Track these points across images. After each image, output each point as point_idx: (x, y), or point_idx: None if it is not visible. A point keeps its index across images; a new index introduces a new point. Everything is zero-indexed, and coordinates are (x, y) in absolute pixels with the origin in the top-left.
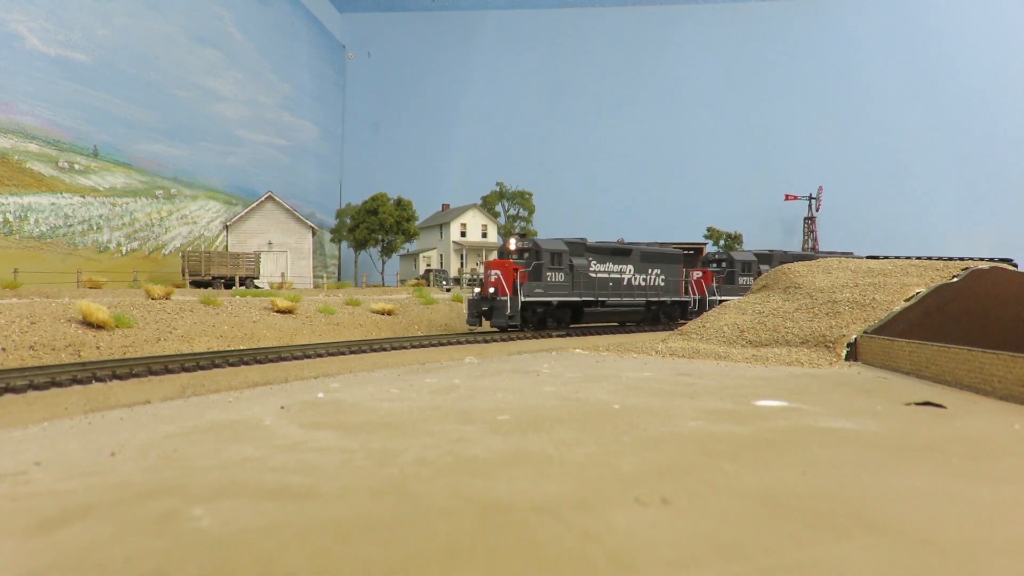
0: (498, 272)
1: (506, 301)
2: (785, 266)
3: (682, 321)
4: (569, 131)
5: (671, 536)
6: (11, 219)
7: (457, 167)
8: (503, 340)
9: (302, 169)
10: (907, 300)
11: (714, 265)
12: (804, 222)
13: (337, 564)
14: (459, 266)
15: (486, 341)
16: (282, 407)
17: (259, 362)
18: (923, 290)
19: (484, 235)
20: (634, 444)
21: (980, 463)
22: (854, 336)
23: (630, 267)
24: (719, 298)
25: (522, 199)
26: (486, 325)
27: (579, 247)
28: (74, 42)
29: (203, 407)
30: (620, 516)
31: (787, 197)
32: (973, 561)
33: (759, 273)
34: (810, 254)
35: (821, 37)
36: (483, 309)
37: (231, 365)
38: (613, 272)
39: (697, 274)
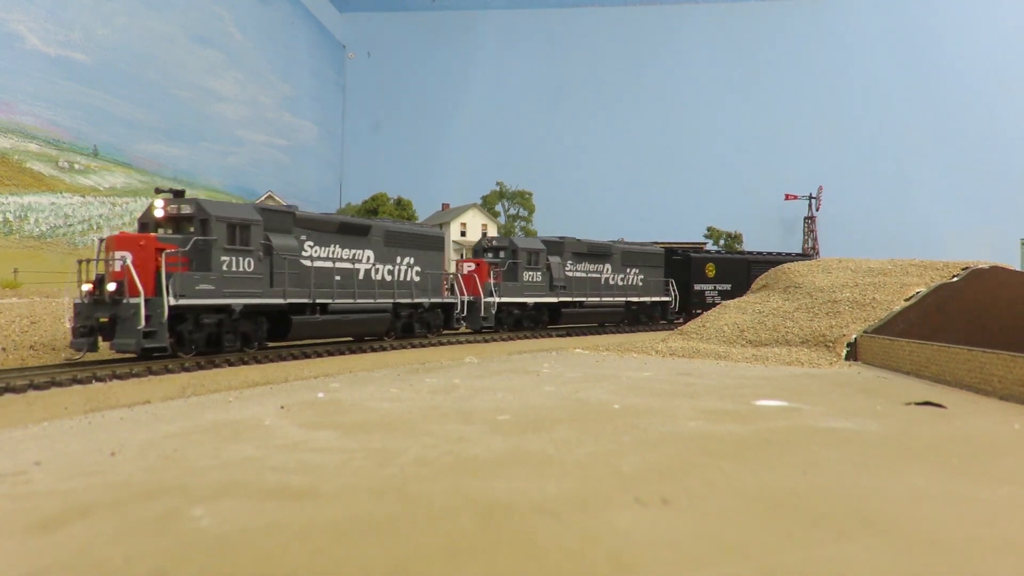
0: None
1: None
2: (785, 266)
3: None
4: (569, 131)
5: (671, 536)
6: (11, 219)
7: (457, 167)
8: (503, 340)
9: (302, 169)
10: (907, 300)
11: (490, 255)
12: (804, 222)
13: (337, 564)
14: None
15: (486, 341)
16: (282, 407)
17: (259, 362)
18: (923, 290)
19: (484, 235)
20: (634, 444)
21: (980, 463)
22: (854, 336)
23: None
24: (497, 299)
25: (522, 199)
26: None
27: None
28: (74, 42)
29: (203, 407)
30: (620, 516)
31: (787, 197)
32: (973, 561)
33: (548, 267)
34: (651, 250)
35: (821, 37)
36: (101, 321)
37: (231, 365)
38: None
39: (469, 267)
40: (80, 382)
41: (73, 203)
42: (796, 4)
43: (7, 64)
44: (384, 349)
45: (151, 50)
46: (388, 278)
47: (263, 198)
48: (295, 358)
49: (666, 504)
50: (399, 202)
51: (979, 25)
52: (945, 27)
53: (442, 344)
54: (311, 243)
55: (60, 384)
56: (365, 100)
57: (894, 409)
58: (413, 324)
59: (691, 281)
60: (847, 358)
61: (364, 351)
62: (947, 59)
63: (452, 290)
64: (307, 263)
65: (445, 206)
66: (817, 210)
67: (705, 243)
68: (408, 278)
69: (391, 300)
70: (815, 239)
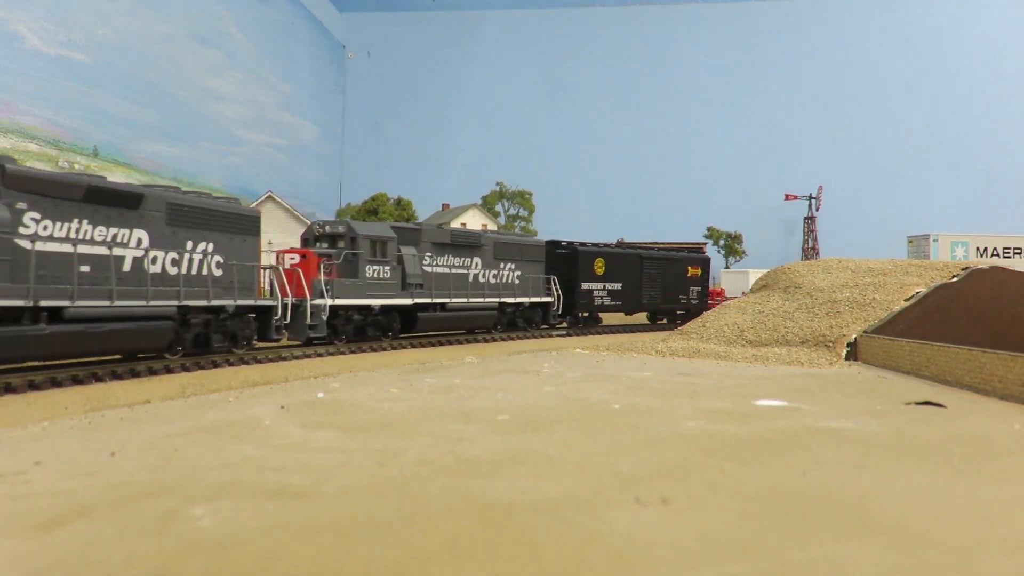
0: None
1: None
2: (785, 266)
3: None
4: (569, 131)
5: (671, 536)
6: None
7: (457, 167)
8: (503, 340)
9: (302, 169)
10: (907, 300)
11: (322, 244)
12: (804, 222)
13: (337, 564)
14: None
15: (486, 341)
16: (282, 407)
17: (259, 362)
18: (923, 290)
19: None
20: (634, 444)
21: (980, 463)
22: (854, 336)
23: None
24: (329, 302)
25: (522, 199)
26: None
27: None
28: (74, 42)
29: (203, 407)
30: (620, 516)
31: (787, 197)
32: (973, 561)
33: (400, 260)
34: (530, 241)
35: (821, 37)
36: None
37: (231, 365)
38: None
39: (292, 259)
40: (80, 382)
41: None
42: (796, 4)
43: (7, 64)
44: (384, 349)
45: (151, 50)
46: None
47: (263, 198)
48: (295, 358)
49: (666, 504)
50: (399, 202)
51: (979, 25)
52: (945, 27)
53: (442, 344)
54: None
55: (60, 384)
56: (365, 100)
57: (894, 409)
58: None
59: (577, 279)
60: (847, 358)
61: (364, 351)
62: (947, 59)
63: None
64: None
65: (445, 206)
66: (817, 210)
67: (705, 243)
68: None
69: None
70: (815, 239)
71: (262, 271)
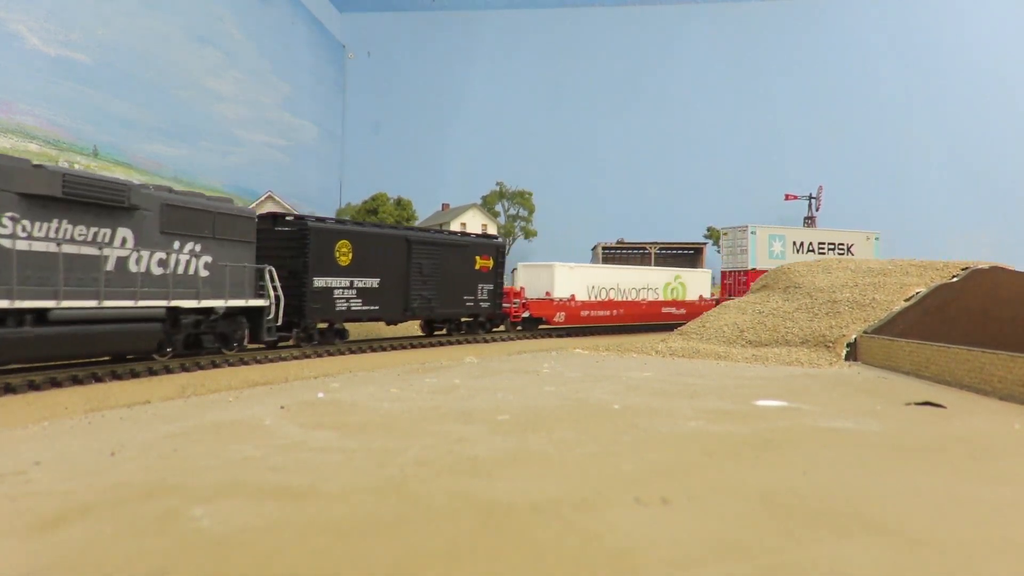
0: None
1: None
2: (785, 266)
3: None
4: (569, 131)
5: (671, 536)
6: None
7: (457, 167)
8: (503, 340)
9: (302, 169)
10: (907, 300)
11: None
12: (804, 222)
13: (337, 564)
14: None
15: (486, 341)
16: (282, 407)
17: (259, 362)
18: (923, 290)
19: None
20: (634, 444)
21: (980, 463)
22: (854, 336)
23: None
24: None
25: (522, 199)
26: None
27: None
28: (74, 42)
29: (203, 407)
30: (620, 516)
31: (787, 197)
32: (973, 561)
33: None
34: (226, 208)
35: (821, 37)
36: None
37: (231, 365)
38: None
39: None
40: (80, 382)
41: None
42: (796, 4)
43: (7, 64)
44: (384, 349)
45: (151, 50)
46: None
47: (263, 198)
48: (295, 358)
49: (666, 504)
50: (399, 202)
51: (979, 25)
52: (945, 27)
53: (442, 344)
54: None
55: (60, 384)
56: (365, 100)
57: (894, 409)
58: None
59: (308, 272)
60: (847, 358)
61: (364, 351)
62: (947, 59)
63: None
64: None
65: (445, 206)
66: (817, 210)
67: (705, 243)
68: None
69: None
70: None
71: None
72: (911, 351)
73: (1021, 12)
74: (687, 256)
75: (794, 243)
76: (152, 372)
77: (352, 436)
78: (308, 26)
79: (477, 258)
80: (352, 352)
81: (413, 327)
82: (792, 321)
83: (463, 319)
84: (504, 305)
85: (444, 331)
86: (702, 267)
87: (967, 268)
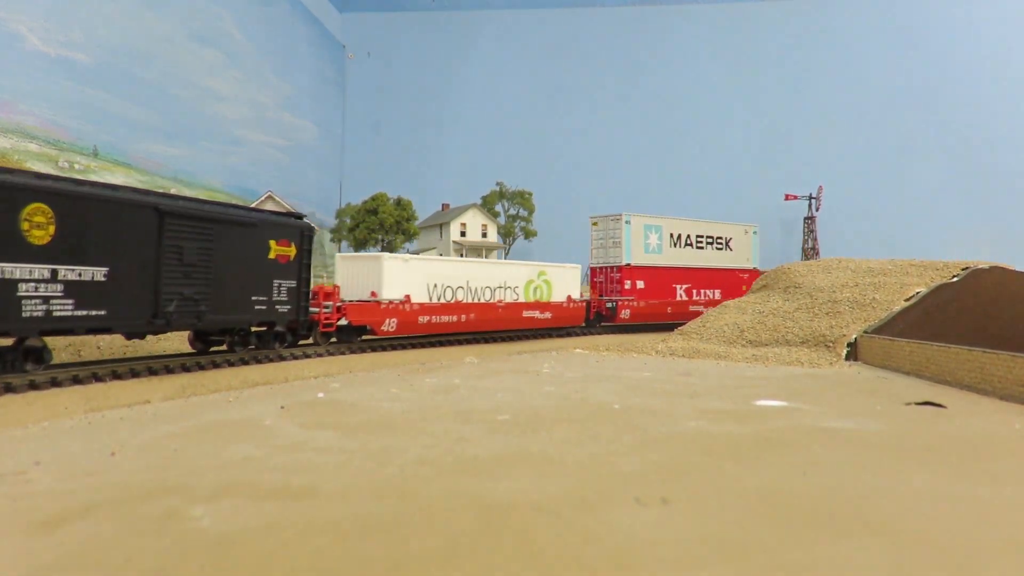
0: None
1: None
2: (785, 266)
3: None
4: (569, 131)
5: (671, 536)
6: None
7: (457, 167)
8: (503, 340)
9: (302, 169)
10: (907, 300)
11: None
12: (804, 222)
13: (337, 564)
14: None
15: (486, 341)
16: (282, 407)
17: (259, 362)
18: (923, 290)
19: (484, 235)
20: (634, 444)
21: (980, 463)
22: (854, 336)
23: None
24: None
25: (522, 199)
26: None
27: None
28: (74, 42)
29: (203, 407)
30: (620, 516)
31: (787, 197)
32: (973, 561)
33: None
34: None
35: (821, 37)
36: None
37: (231, 365)
38: None
39: None
40: (80, 382)
41: None
42: (796, 4)
43: (7, 64)
44: (384, 349)
45: (151, 50)
46: None
47: (263, 198)
48: (295, 358)
49: (666, 504)
50: (399, 202)
51: (979, 25)
52: (945, 27)
53: (442, 344)
54: None
55: (60, 384)
56: (365, 100)
57: (894, 409)
58: None
59: None
60: (847, 358)
61: (364, 351)
62: (947, 59)
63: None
64: None
65: (445, 206)
66: (817, 210)
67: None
68: None
69: None
70: (815, 239)
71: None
72: (911, 351)
73: (1021, 12)
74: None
75: (671, 235)
76: (152, 372)
77: (352, 436)
78: (308, 26)
79: (272, 243)
80: (352, 352)
81: (174, 341)
82: (792, 321)
83: (253, 329)
84: (315, 310)
85: (224, 347)
86: None
87: (967, 268)
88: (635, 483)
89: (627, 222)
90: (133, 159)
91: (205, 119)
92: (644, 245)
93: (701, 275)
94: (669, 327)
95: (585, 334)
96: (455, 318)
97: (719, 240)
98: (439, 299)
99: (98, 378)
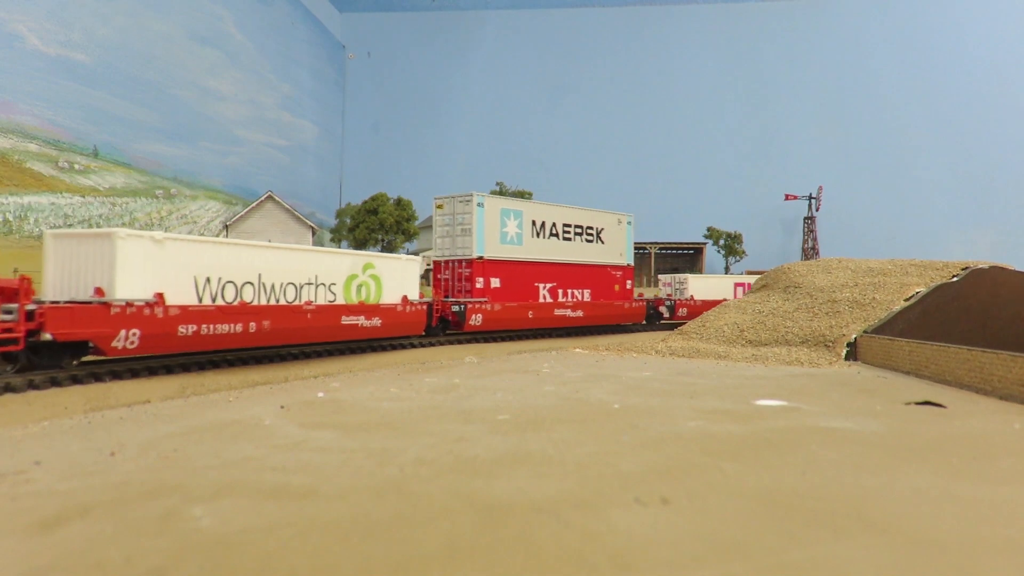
0: None
1: None
2: (785, 266)
3: None
4: (569, 131)
5: (671, 536)
6: (11, 219)
7: (457, 166)
8: (503, 340)
9: (302, 169)
10: (907, 300)
11: None
12: (804, 222)
13: (337, 564)
14: None
15: (486, 341)
16: (282, 407)
17: (259, 362)
18: (923, 290)
19: None
20: (634, 444)
21: (980, 463)
22: (854, 336)
23: None
24: None
25: (522, 199)
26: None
27: None
28: (74, 42)
29: (203, 407)
30: (620, 516)
31: (787, 197)
32: (973, 561)
33: None
34: None
35: (821, 37)
36: None
37: (231, 365)
38: None
39: None
40: (80, 382)
41: (73, 203)
42: (796, 4)
43: (7, 64)
44: (384, 349)
45: (151, 50)
46: None
47: (263, 198)
48: (295, 358)
49: (666, 504)
50: (399, 202)
51: (979, 25)
52: (945, 27)
53: (442, 344)
54: None
55: (60, 384)
56: (365, 100)
57: (894, 409)
58: None
59: None
60: (847, 358)
61: (364, 351)
62: (947, 59)
63: None
64: None
65: None
66: (817, 210)
67: (705, 244)
68: None
69: None
70: (815, 239)
71: None
72: (911, 351)
73: (1021, 12)
74: (687, 256)
75: (534, 223)
76: (152, 372)
77: (352, 436)
78: (308, 26)
79: None
80: (352, 352)
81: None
82: (792, 321)
83: None
84: None
85: None
86: (701, 270)
87: (967, 268)
88: (635, 483)
89: (480, 204)
90: (133, 159)
91: (205, 119)
92: (501, 234)
93: (569, 272)
94: (529, 335)
95: (429, 344)
96: (238, 328)
97: (589, 231)
98: (214, 300)
99: (98, 378)
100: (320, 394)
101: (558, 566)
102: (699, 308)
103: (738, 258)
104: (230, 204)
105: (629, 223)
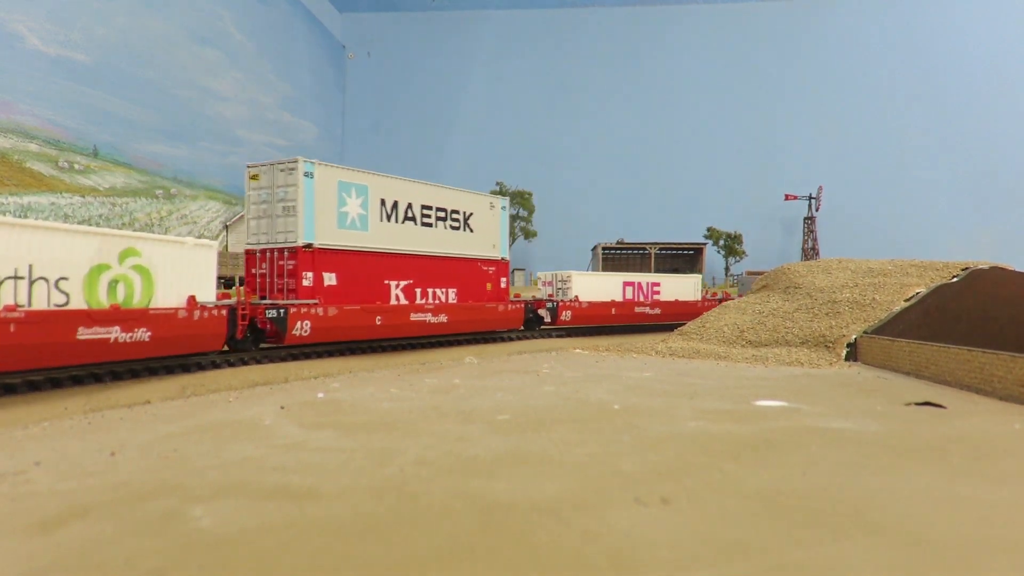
0: None
1: None
2: (785, 266)
3: None
4: (569, 131)
5: (671, 536)
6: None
7: (457, 167)
8: (503, 340)
9: None
10: (907, 300)
11: None
12: (804, 222)
13: (337, 564)
14: None
15: (486, 341)
16: (282, 407)
17: (259, 362)
18: (923, 290)
19: None
20: (634, 444)
21: (980, 463)
22: (854, 336)
23: None
24: None
25: (522, 199)
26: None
27: None
28: (74, 42)
29: (203, 407)
30: (620, 516)
31: (787, 197)
32: (973, 561)
33: None
34: None
35: (821, 37)
36: None
37: (231, 365)
38: None
39: None
40: (80, 382)
41: (73, 203)
42: (797, 4)
43: (7, 64)
44: (384, 349)
45: (151, 50)
46: None
47: None
48: (295, 358)
49: (666, 504)
50: None
51: (980, 24)
52: (945, 26)
53: (442, 344)
54: None
55: (60, 384)
56: (365, 100)
57: (894, 409)
58: None
59: None
60: (847, 358)
61: (364, 351)
62: (947, 59)
63: None
64: None
65: None
66: (817, 210)
67: (705, 244)
68: None
69: None
70: (815, 239)
71: None
72: (911, 351)
73: (1021, 12)
74: (687, 256)
75: (383, 202)
76: (152, 372)
77: (352, 436)
78: (308, 26)
79: None
80: (352, 352)
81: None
82: (792, 321)
83: None
84: None
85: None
86: (702, 271)
87: (967, 268)
88: (635, 483)
89: (308, 174)
90: (133, 159)
91: (205, 119)
92: (339, 215)
93: (430, 266)
94: (386, 347)
95: (234, 363)
96: None
97: (455, 215)
98: None
99: (98, 378)
100: (320, 394)
101: (558, 566)
102: (584, 311)
103: (738, 258)
104: (230, 204)
105: (504, 208)
